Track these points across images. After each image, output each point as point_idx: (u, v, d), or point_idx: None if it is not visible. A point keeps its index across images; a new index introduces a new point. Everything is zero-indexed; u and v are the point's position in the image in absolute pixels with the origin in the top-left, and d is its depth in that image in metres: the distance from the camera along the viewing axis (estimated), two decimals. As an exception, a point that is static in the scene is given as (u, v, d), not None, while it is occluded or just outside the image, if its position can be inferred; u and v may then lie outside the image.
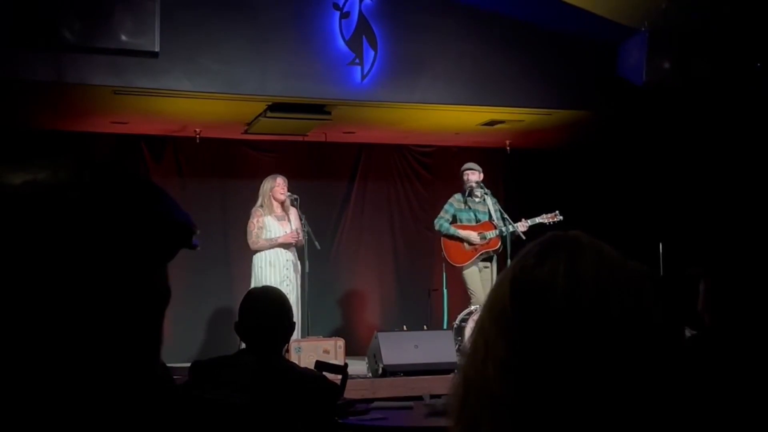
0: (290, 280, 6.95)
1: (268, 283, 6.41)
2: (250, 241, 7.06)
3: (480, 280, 7.25)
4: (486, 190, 7.39)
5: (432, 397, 5.31)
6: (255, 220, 7.06)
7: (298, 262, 7.17)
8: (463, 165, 7.56)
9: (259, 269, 7.01)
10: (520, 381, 0.89)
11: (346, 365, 3.84)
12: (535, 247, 0.98)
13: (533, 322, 0.90)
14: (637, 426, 0.88)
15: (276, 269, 6.98)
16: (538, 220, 7.29)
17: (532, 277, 0.93)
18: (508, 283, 0.95)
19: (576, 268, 0.93)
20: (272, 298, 3.04)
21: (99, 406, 0.78)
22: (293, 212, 7.20)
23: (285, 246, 7.04)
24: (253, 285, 6.85)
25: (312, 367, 3.52)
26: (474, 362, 0.94)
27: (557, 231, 1.00)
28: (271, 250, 7.00)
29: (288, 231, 7.06)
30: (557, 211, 7.31)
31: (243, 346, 3.10)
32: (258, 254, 7.05)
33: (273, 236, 7.01)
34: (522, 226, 7.19)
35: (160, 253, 0.82)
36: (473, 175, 7.36)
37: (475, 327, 0.98)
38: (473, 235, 7.23)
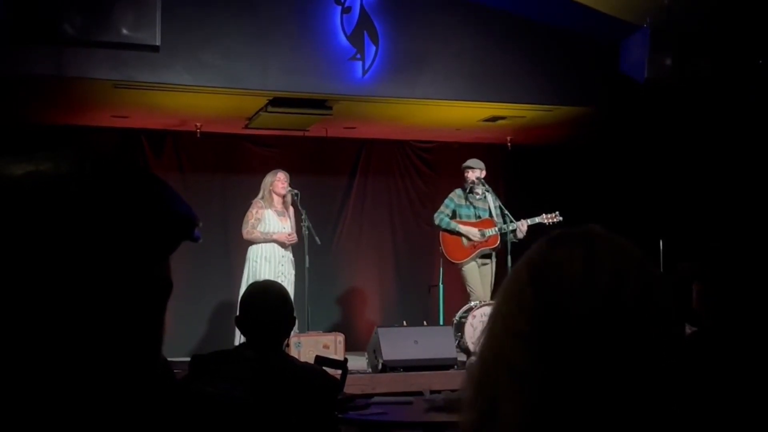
0: (285, 276, 6.94)
1: (263, 278, 6.40)
2: (244, 231, 7.05)
3: (479, 276, 7.25)
4: (487, 188, 7.38)
5: (432, 392, 5.32)
6: (254, 211, 7.06)
7: (294, 258, 7.17)
8: (464, 161, 7.55)
9: (254, 263, 7.00)
10: (541, 351, 0.90)
11: (345, 360, 3.84)
12: (552, 237, 0.99)
13: (551, 298, 0.92)
14: (647, 406, 0.90)
15: (271, 264, 6.97)
16: (537, 220, 7.27)
17: (550, 257, 0.95)
18: (525, 266, 0.96)
19: (593, 252, 0.94)
20: (274, 292, 3.04)
21: (100, 399, 0.77)
22: (292, 209, 7.20)
23: (279, 243, 7.04)
24: (246, 278, 6.86)
25: (312, 362, 3.52)
26: (492, 343, 0.95)
27: (574, 226, 1.02)
28: (268, 245, 7.00)
29: (287, 227, 7.06)
30: (557, 212, 7.29)
31: (243, 340, 3.10)
32: (253, 247, 7.04)
33: (270, 230, 7.00)
34: (522, 224, 7.18)
35: (162, 245, 0.81)
36: (474, 173, 7.34)
37: (491, 315, 0.99)
38: (473, 231, 7.23)
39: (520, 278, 0.96)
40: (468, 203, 7.37)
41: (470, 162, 7.41)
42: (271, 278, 6.49)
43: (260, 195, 7.14)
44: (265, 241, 7.00)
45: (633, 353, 0.90)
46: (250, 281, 6.03)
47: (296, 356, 5.85)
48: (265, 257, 6.99)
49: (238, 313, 3.01)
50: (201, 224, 0.84)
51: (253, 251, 7.04)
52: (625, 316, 0.91)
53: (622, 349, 0.89)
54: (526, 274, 0.95)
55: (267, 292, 3.04)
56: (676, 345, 0.94)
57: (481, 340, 0.97)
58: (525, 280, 0.95)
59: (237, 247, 7.78)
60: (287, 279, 6.92)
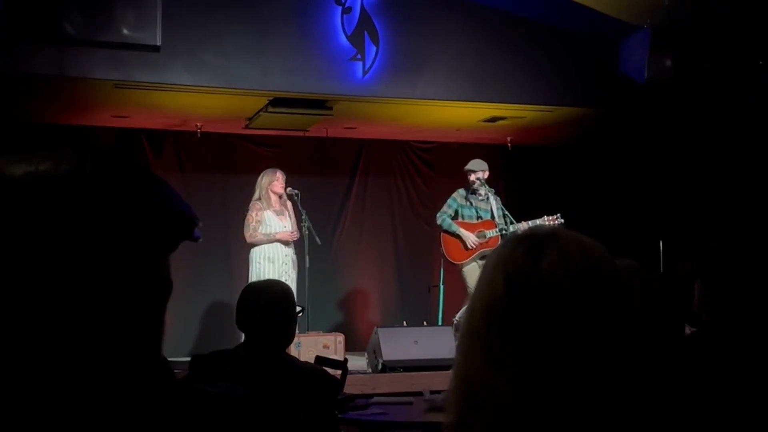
0: (288, 275, 6.94)
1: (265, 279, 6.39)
2: (246, 234, 7.04)
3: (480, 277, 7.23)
4: (490, 189, 7.38)
5: (432, 392, 5.32)
6: (254, 214, 7.05)
7: (296, 258, 7.17)
8: (465, 161, 7.54)
9: (257, 264, 7.00)
10: (530, 384, 0.88)
11: (345, 360, 3.84)
12: (520, 245, 0.97)
13: (536, 320, 0.89)
14: (644, 415, 0.88)
15: (275, 265, 6.96)
16: (539, 222, 7.26)
17: (531, 276, 0.92)
18: (502, 283, 0.93)
19: (571, 263, 0.92)
20: (271, 291, 3.03)
21: (100, 399, 0.77)
22: (290, 205, 7.20)
23: (283, 242, 7.04)
24: (251, 280, 6.84)
25: (312, 362, 3.51)
26: (475, 370, 0.92)
27: (533, 228, 1.00)
28: (270, 245, 6.99)
29: (287, 226, 7.06)
30: (558, 214, 7.27)
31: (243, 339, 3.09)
32: (256, 249, 7.03)
33: (272, 231, 7.00)
34: (524, 226, 7.17)
35: (162, 244, 0.82)
36: (476, 174, 7.33)
37: (465, 330, 0.96)
38: (472, 238, 7.22)
39: (497, 297, 0.93)
40: (469, 203, 7.37)
41: (471, 164, 7.40)
42: (275, 279, 6.49)
43: (257, 196, 7.12)
44: (269, 241, 7.00)
45: (619, 366, 0.88)
46: (255, 283, 6.03)
47: (296, 356, 5.85)
48: (268, 258, 6.99)
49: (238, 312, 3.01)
50: (201, 224, 0.84)
51: (256, 253, 7.03)
52: (609, 326, 0.89)
53: (608, 363, 0.88)
54: (504, 294, 0.93)
55: (263, 290, 3.04)
56: (665, 348, 0.93)
57: (462, 359, 0.95)
58: (503, 300, 0.92)
59: (237, 247, 7.78)
60: (290, 278, 6.92)
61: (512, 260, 0.95)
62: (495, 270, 0.96)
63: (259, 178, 7.16)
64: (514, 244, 0.97)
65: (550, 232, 0.98)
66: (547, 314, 0.89)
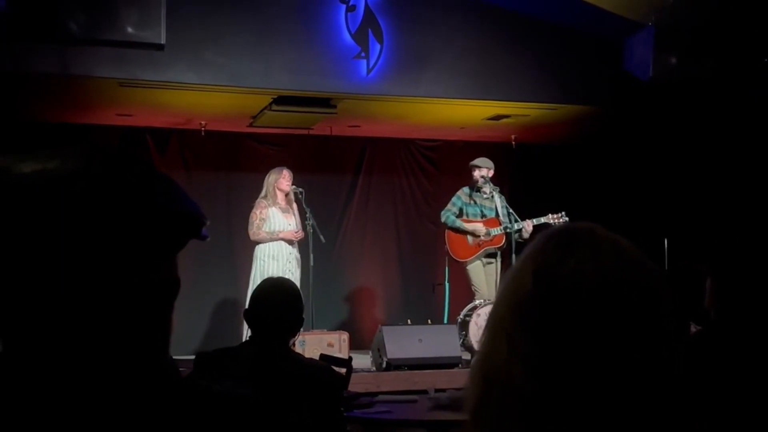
0: (292, 274, 6.94)
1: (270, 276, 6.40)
2: (250, 232, 7.07)
3: (484, 275, 7.24)
4: (495, 187, 7.37)
5: (436, 391, 5.32)
6: (258, 211, 7.08)
7: (300, 256, 7.18)
8: (469, 159, 7.54)
9: (261, 261, 7.02)
10: (548, 377, 0.87)
11: (350, 359, 3.84)
12: (553, 239, 0.96)
13: (560, 317, 0.89)
14: (658, 419, 0.88)
15: (279, 262, 6.98)
16: (543, 220, 7.24)
17: (558, 272, 0.92)
18: (530, 276, 0.93)
19: (601, 263, 0.92)
20: (285, 289, 3.04)
21: (107, 397, 0.78)
22: (296, 206, 7.21)
23: (287, 240, 7.05)
24: (254, 277, 6.88)
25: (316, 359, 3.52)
26: (496, 358, 0.92)
27: (571, 222, 0.99)
28: (274, 243, 7.01)
29: (292, 224, 7.08)
30: (563, 212, 7.26)
31: (248, 335, 3.09)
32: (260, 246, 7.05)
33: (276, 228, 7.02)
34: (528, 224, 7.17)
35: (170, 243, 0.82)
36: (480, 171, 7.32)
37: (491, 319, 0.96)
38: (479, 227, 7.22)
39: (524, 289, 0.93)
40: (473, 201, 7.37)
41: (477, 161, 7.40)
42: (286, 277, 6.48)
43: (263, 193, 7.15)
44: (272, 240, 7.02)
45: (642, 367, 0.88)
46: (258, 280, 6.06)
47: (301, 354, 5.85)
48: (273, 256, 7.00)
49: (247, 307, 3.01)
50: (208, 222, 0.84)
51: (261, 250, 7.06)
52: (635, 332, 0.89)
53: (632, 366, 0.87)
54: (531, 287, 0.92)
55: (278, 288, 3.05)
56: (680, 353, 0.92)
57: (485, 348, 0.95)
58: (529, 293, 0.92)
59: (241, 245, 7.79)
60: (293, 277, 6.92)
61: (542, 254, 0.95)
62: (525, 261, 0.96)
63: (267, 175, 7.20)
64: (548, 237, 0.97)
65: (586, 229, 0.97)
66: (570, 312, 0.89)
